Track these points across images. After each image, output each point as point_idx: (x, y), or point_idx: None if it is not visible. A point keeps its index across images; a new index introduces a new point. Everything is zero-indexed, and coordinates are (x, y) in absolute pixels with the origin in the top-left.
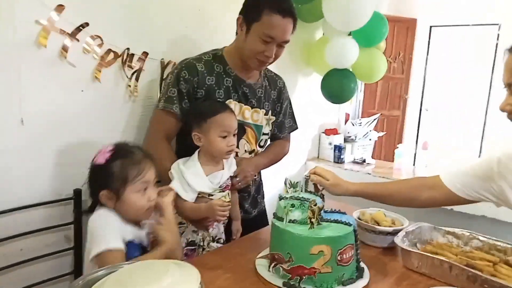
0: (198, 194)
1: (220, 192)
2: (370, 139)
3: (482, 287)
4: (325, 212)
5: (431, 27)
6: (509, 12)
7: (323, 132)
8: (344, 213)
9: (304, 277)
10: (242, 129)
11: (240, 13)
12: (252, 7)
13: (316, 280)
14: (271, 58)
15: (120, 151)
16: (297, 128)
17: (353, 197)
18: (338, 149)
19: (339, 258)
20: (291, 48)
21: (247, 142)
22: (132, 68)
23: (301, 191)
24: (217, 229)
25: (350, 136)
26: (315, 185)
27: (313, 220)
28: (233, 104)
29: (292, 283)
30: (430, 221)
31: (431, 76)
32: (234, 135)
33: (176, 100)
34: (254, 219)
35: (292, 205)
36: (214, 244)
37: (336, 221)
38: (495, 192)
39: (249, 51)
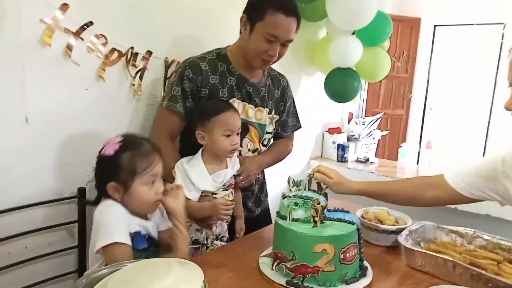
0: (202, 192)
1: (223, 190)
2: (373, 138)
3: (486, 286)
4: (329, 210)
5: (435, 26)
6: None
7: (326, 131)
8: (347, 212)
9: (307, 276)
10: (245, 128)
11: (243, 12)
12: (256, 6)
13: (319, 278)
14: (274, 57)
15: (129, 142)
16: (300, 127)
17: (356, 195)
18: (342, 148)
19: (342, 257)
20: (295, 47)
21: (251, 141)
22: (136, 67)
23: (305, 190)
24: (221, 228)
25: (353, 135)
26: (318, 183)
27: (316, 218)
28: (236, 103)
29: (295, 281)
30: (433, 220)
31: (435, 75)
32: (237, 134)
33: (180, 99)
34: (257, 218)
35: (296, 204)
36: (218, 243)
37: (339, 220)
38: (500, 191)
39: (253, 50)
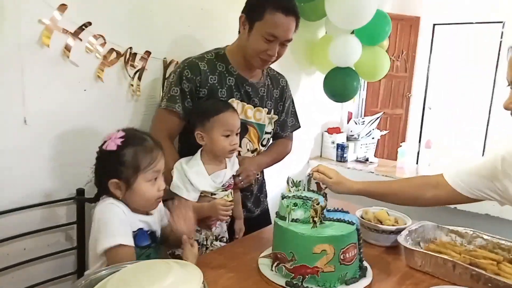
0: (201, 193)
1: (222, 191)
2: (373, 138)
3: (486, 286)
4: (328, 211)
5: (434, 25)
6: None
7: (326, 131)
8: (347, 212)
9: (307, 276)
10: (244, 128)
11: (242, 12)
12: (255, 5)
13: (319, 279)
14: (274, 56)
15: (132, 137)
16: (299, 127)
17: (356, 196)
18: (341, 148)
19: (342, 257)
20: (294, 46)
21: (250, 141)
22: (135, 68)
23: (304, 190)
24: (220, 228)
25: (353, 135)
26: (317, 184)
27: (315, 219)
28: (235, 103)
29: (295, 282)
30: (433, 219)
31: (435, 75)
32: (236, 134)
33: (179, 99)
34: (257, 218)
35: (295, 204)
36: (218, 243)
37: (339, 220)
38: (499, 191)
39: (252, 50)
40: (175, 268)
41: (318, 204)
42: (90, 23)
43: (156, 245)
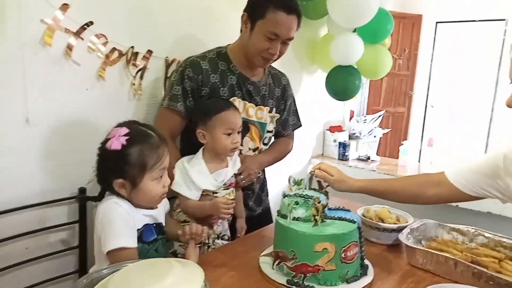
0: (203, 192)
1: (224, 189)
2: (375, 136)
3: (487, 284)
4: (329, 209)
5: (437, 23)
6: None
7: (327, 129)
8: (348, 211)
9: (308, 275)
10: (246, 126)
11: (244, 10)
12: (256, 4)
13: (320, 277)
14: (275, 55)
15: (136, 134)
16: (301, 125)
17: (357, 194)
18: (343, 146)
19: (343, 256)
20: (296, 45)
21: (251, 139)
22: (137, 67)
23: (305, 189)
24: (222, 226)
25: (354, 133)
26: (319, 182)
27: (317, 217)
28: (237, 101)
29: (296, 280)
30: (435, 218)
31: (437, 73)
32: (238, 132)
33: (181, 98)
34: (258, 217)
35: (296, 203)
36: (219, 241)
37: (340, 219)
38: (501, 189)
39: (254, 48)
40: (176, 267)
41: (319, 202)
42: (92, 23)
43: (163, 238)
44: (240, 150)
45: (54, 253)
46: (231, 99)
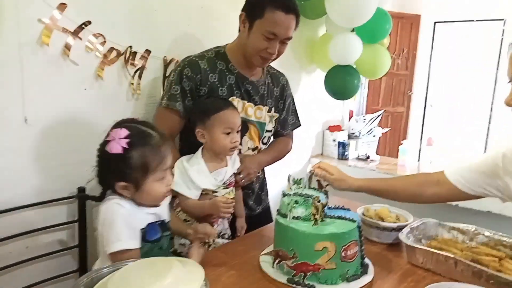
0: (202, 191)
1: (224, 189)
2: (374, 136)
3: (487, 283)
4: (329, 208)
5: (435, 23)
6: None
7: (327, 129)
8: (348, 210)
9: (308, 274)
10: (245, 126)
11: (242, 10)
12: (255, 4)
13: (320, 276)
14: (274, 55)
15: (137, 136)
16: (300, 125)
17: (357, 193)
18: (342, 145)
19: (343, 255)
20: (294, 45)
21: (250, 139)
22: (135, 66)
23: (305, 188)
24: (222, 225)
25: (354, 133)
26: (318, 181)
27: (317, 216)
28: (236, 101)
29: (296, 279)
30: (435, 217)
31: (436, 72)
32: (237, 131)
33: (179, 98)
34: (258, 216)
35: (296, 202)
36: (220, 240)
37: (340, 218)
38: (500, 188)
39: (252, 48)
40: (176, 266)
41: (319, 201)
42: (89, 22)
43: (167, 235)
44: (239, 150)
45: (54, 252)
46: (229, 99)
